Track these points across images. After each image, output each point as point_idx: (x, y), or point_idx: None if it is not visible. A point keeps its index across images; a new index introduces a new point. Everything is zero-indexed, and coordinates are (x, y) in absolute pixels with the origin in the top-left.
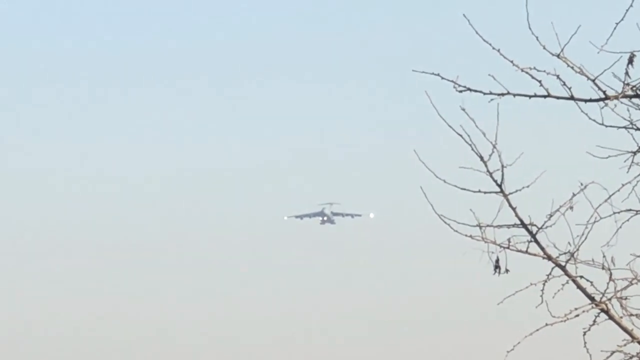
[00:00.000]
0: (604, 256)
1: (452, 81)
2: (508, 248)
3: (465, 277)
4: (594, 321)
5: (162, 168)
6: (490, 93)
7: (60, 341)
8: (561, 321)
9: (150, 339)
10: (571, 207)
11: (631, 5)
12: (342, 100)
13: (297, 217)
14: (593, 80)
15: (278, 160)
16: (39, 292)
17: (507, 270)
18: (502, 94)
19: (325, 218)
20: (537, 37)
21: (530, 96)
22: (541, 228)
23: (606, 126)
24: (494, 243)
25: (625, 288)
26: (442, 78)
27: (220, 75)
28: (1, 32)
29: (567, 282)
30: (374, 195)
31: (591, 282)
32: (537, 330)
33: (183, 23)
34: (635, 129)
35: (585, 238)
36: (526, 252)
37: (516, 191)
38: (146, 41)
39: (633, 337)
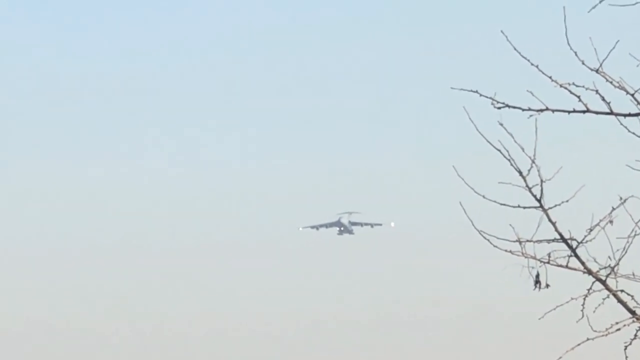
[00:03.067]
0: None
1: (490, 98)
2: (548, 263)
3: (504, 291)
4: (635, 335)
5: (178, 178)
6: (529, 109)
7: (60, 340)
8: (602, 335)
9: (157, 340)
10: (611, 221)
11: None
12: (371, 114)
13: (312, 227)
14: (632, 95)
15: (295, 169)
16: (40, 292)
17: (547, 285)
18: (541, 110)
19: (342, 228)
20: (575, 53)
21: (569, 112)
22: (581, 242)
23: None
24: (534, 258)
25: None
26: (481, 95)
27: (238, 87)
28: None
29: (608, 297)
30: (396, 204)
31: (632, 296)
32: (579, 344)
33: (193, 40)
34: None
35: (626, 252)
36: (566, 266)
37: (555, 206)
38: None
39: None
